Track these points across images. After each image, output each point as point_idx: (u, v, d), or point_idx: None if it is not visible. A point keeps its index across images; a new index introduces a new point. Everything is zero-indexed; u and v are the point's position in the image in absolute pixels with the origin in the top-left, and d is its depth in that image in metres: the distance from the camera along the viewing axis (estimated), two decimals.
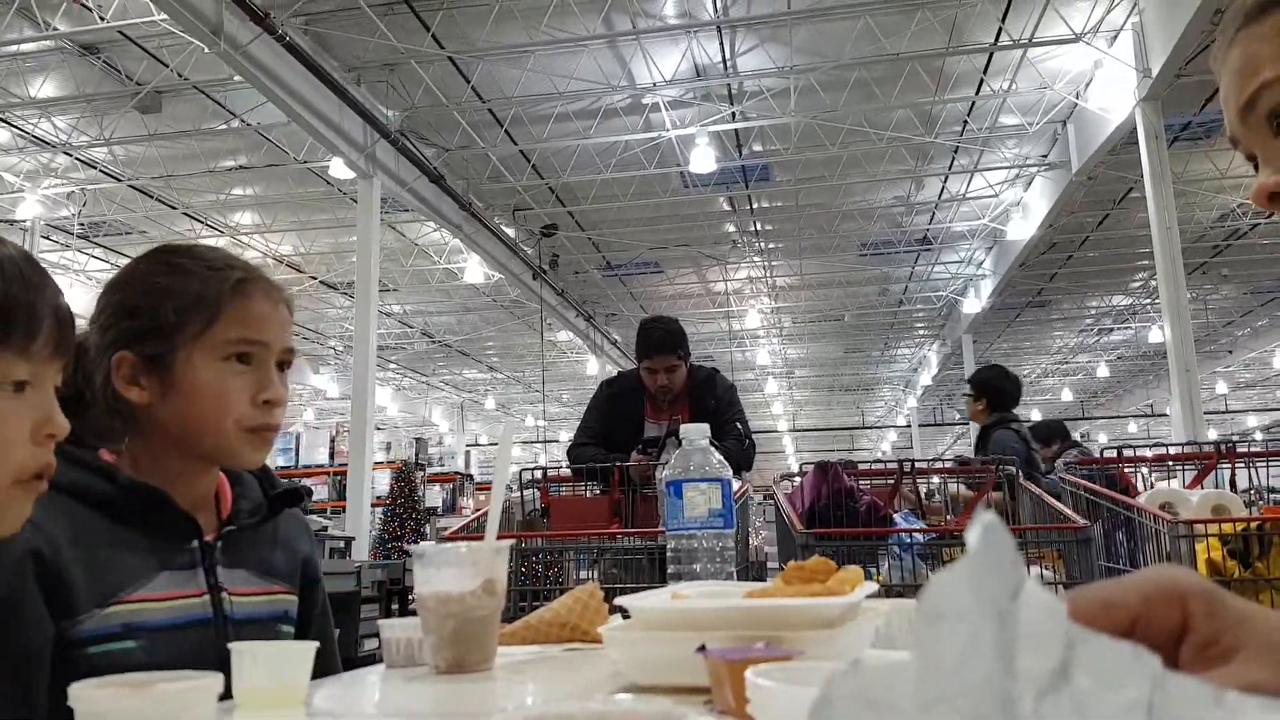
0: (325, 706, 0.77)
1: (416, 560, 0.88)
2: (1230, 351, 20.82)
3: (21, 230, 11.26)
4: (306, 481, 14.54)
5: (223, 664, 0.71)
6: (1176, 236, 8.24)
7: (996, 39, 8.73)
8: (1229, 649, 0.47)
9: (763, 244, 14.49)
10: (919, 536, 3.82)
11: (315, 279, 14.75)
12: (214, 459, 1.12)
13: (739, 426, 3.33)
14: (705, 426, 1.23)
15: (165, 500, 1.06)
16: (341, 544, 7.46)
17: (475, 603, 0.87)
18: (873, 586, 0.62)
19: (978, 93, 9.75)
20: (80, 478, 1.03)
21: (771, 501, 5.35)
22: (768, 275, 15.87)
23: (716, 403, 3.35)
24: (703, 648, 0.61)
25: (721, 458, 1.23)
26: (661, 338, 3.29)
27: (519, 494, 2.96)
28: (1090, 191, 11.31)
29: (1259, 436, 25.13)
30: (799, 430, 29.35)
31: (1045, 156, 11.14)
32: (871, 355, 22.27)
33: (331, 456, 14.22)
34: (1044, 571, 3.20)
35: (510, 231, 12.90)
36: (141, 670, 0.67)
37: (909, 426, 26.12)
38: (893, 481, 4.27)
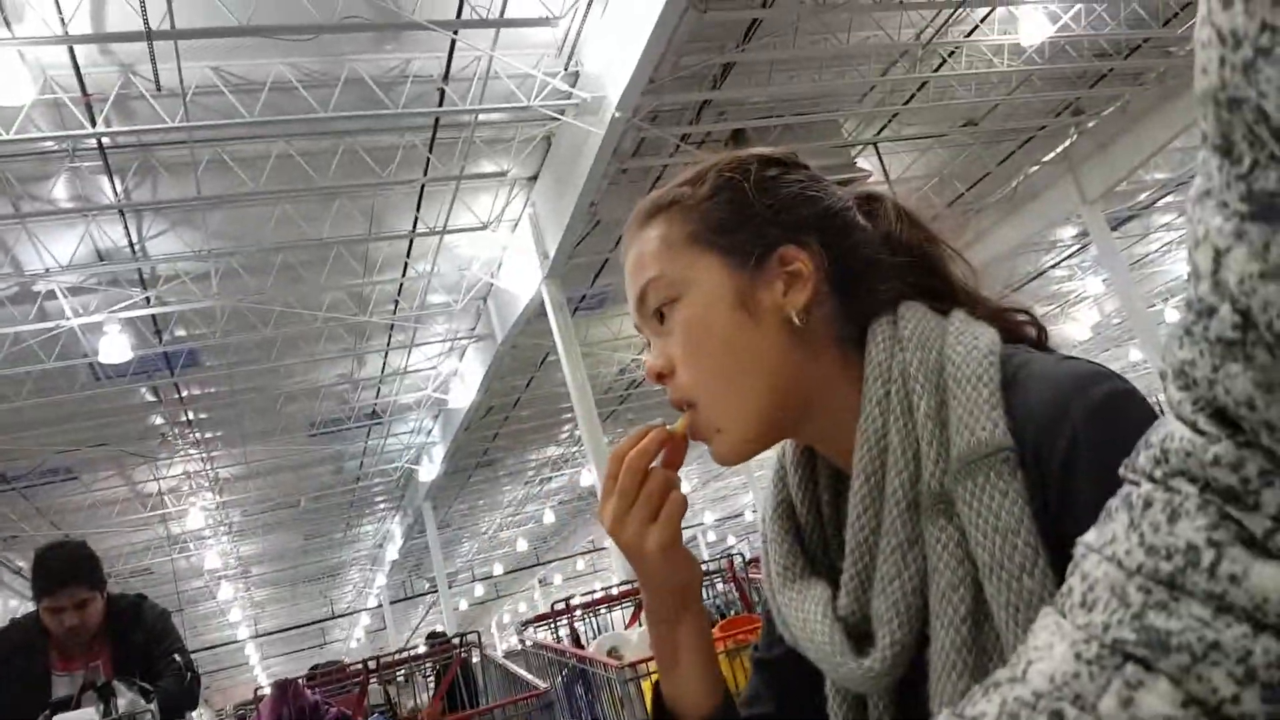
0: None
1: None
2: None
3: None
4: None
5: None
6: (589, 391, 9.49)
7: (414, 227, 9.46)
8: None
9: (198, 434, 13.34)
10: None
11: None
12: None
13: (178, 659, 2.89)
14: (85, 715, 1.04)
15: None
16: None
17: None
18: None
19: (404, 274, 10.38)
20: None
21: None
22: (208, 468, 14.59)
23: (146, 636, 2.88)
24: None
25: None
26: (64, 568, 2.73)
27: None
28: (515, 358, 12.58)
29: None
30: (263, 635, 26.83)
31: (473, 329, 12.17)
32: (334, 538, 21.50)
33: None
34: None
35: None
36: None
37: (380, 606, 25.50)
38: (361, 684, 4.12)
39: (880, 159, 10.71)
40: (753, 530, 29.11)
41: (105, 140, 7.01)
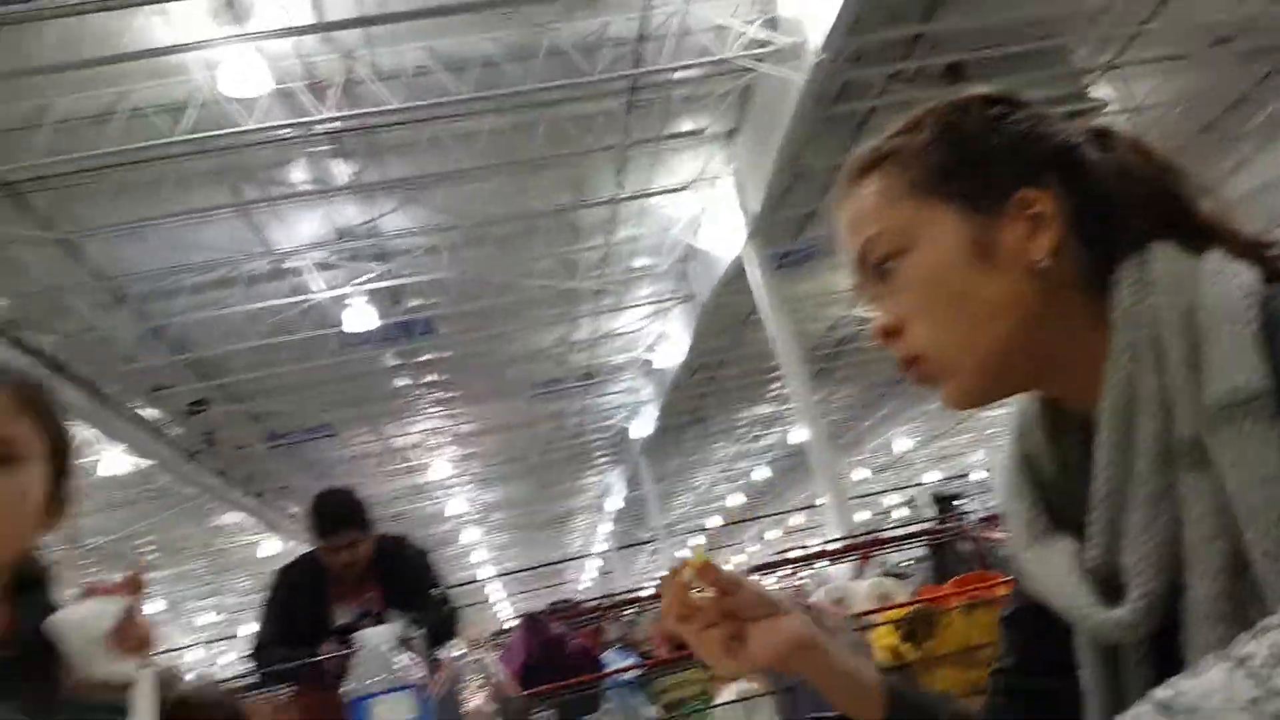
0: None
1: None
2: (863, 441, 23.70)
3: None
4: None
5: None
6: (795, 349, 9.37)
7: (617, 193, 9.63)
8: None
9: (439, 394, 14.44)
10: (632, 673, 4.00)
11: None
12: None
13: (438, 593, 3.14)
14: (385, 630, 1.15)
15: None
16: None
17: None
18: None
19: (609, 240, 10.64)
20: None
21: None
22: (449, 424, 15.78)
23: (412, 571, 3.14)
24: None
25: (410, 657, 1.14)
26: (337, 512, 3.03)
27: None
28: (719, 317, 12.58)
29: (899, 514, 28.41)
30: (504, 574, 28.91)
31: (676, 290, 12.30)
32: (561, 488, 22.71)
33: None
34: None
35: (153, 413, 11.78)
36: None
37: (608, 551, 26.73)
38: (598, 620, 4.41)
39: (1118, 86, 9.68)
40: (981, 490, 27.70)
41: (334, 125, 7.64)
